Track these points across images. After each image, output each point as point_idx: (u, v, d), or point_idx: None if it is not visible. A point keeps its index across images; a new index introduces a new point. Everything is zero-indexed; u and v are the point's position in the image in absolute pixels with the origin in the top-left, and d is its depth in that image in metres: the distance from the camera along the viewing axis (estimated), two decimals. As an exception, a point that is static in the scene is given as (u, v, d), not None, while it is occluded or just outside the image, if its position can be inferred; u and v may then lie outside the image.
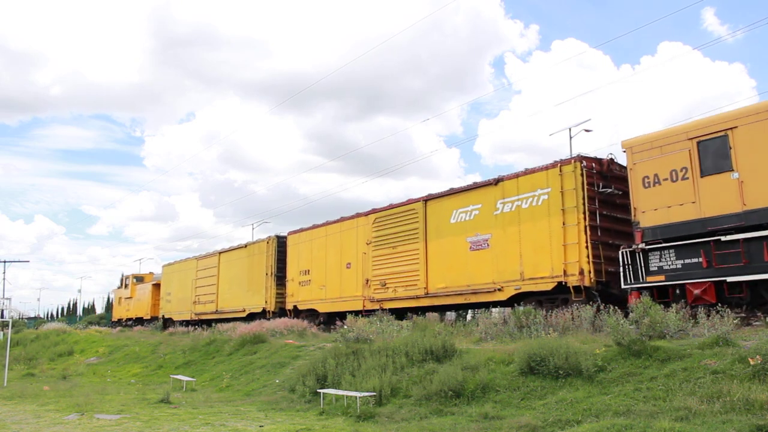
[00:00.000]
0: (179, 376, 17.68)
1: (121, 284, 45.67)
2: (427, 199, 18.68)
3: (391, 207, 20.19)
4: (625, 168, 14.75)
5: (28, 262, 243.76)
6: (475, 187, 17.19)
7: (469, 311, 20.62)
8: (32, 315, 74.29)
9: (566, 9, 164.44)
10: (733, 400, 7.24)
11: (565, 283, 14.20)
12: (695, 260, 11.72)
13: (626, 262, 12.73)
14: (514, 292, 15.49)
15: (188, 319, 33.17)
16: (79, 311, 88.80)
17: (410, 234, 19.01)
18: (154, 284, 40.19)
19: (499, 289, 15.81)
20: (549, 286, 14.64)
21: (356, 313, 19.05)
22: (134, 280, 43.50)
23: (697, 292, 11.60)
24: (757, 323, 11.23)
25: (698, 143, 11.92)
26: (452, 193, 17.93)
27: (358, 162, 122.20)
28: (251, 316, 26.48)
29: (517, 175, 15.97)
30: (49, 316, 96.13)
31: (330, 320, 21.58)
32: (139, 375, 21.60)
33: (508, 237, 15.83)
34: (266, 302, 26.33)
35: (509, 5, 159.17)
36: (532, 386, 9.51)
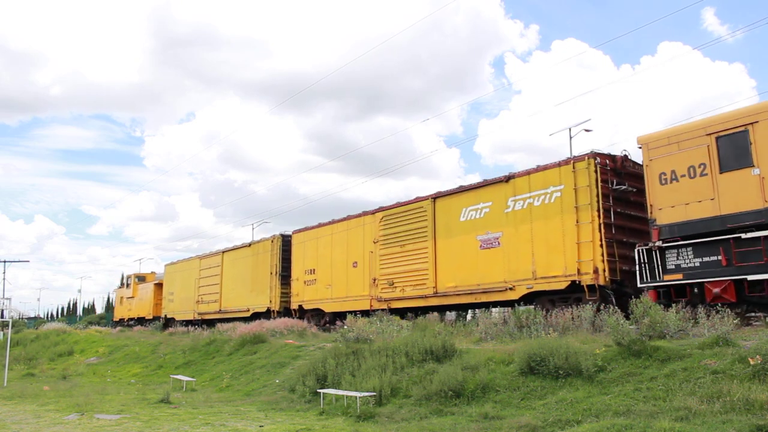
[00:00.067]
0: (179, 376, 17.67)
1: (122, 284, 45.57)
2: (436, 197, 18.42)
3: (399, 205, 19.91)
4: (639, 165, 14.56)
5: (28, 262, 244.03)
6: (486, 184, 16.92)
7: (469, 311, 20.55)
8: (32, 315, 74.37)
9: (566, 9, 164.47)
10: (733, 400, 7.24)
11: (579, 282, 14.01)
12: (714, 258, 11.46)
13: (642, 260, 12.48)
14: (526, 291, 15.25)
15: (191, 318, 33.01)
16: (79, 311, 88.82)
17: (419, 232, 18.75)
18: (156, 284, 39.99)
19: (511, 288, 15.58)
20: (562, 285, 14.42)
21: (363, 312, 18.94)
22: (136, 280, 43.25)
23: (716, 290, 11.34)
24: (757, 323, 11.24)
25: (717, 139, 11.65)
26: (462, 190, 17.66)
27: (358, 162, 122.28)
28: (255, 316, 26.29)
29: (528, 173, 15.71)
30: (49, 316, 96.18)
31: (336, 320, 21.33)
32: (139, 375, 21.60)
33: (519, 235, 15.59)
34: (271, 302, 26.14)
35: (509, 5, 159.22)
36: (532, 386, 9.51)
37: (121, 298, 45.66)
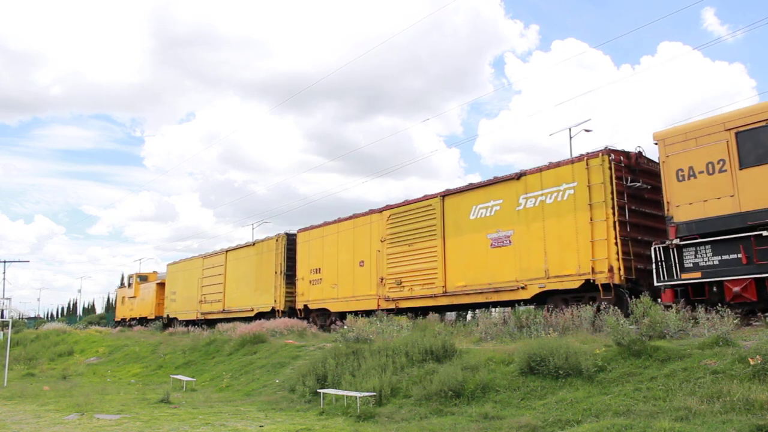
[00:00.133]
0: (179, 376, 17.67)
1: (122, 283, 45.46)
2: (445, 195, 18.13)
3: (407, 203, 19.64)
4: (653, 162, 14.41)
5: (28, 262, 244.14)
6: (496, 182, 16.63)
7: (469, 312, 20.49)
8: (32, 315, 74.36)
9: (566, 9, 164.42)
10: (733, 400, 7.24)
11: (594, 280, 13.79)
12: (734, 256, 11.18)
13: (659, 259, 12.19)
14: (538, 291, 15.02)
15: (194, 318, 32.71)
16: (79, 311, 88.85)
17: (427, 231, 18.47)
18: (158, 283, 39.60)
19: (523, 288, 15.32)
20: (576, 284, 14.20)
21: (371, 312, 18.72)
22: (138, 279, 42.85)
23: (736, 289, 11.09)
24: (757, 323, 11.23)
25: (737, 134, 11.35)
26: (471, 188, 17.38)
27: (358, 162, 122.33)
28: (259, 316, 26.01)
29: (540, 170, 15.45)
30: (49, 316, 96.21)
31: (344, 320, 21.23)
32: (139, 375, 21.59)
33: (531, 233, 15.34)
34: (275, 301, 25.84)
35: (509, 5, 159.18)
36: (532, 386, 9.50)
37: (123, 297, 45.36)
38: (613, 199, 13.73)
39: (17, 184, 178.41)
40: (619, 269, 13.42)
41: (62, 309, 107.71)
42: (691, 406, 7.40)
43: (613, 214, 13.67)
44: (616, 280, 13.39)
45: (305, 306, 23.94)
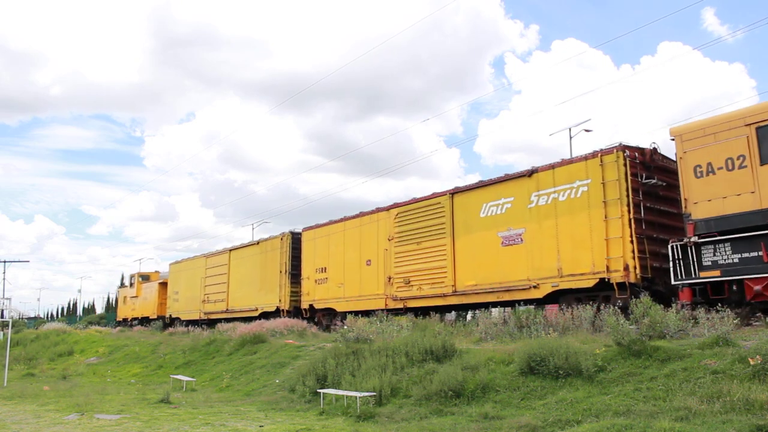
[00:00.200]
0: (179, 376, 17.67)
1: (122, 283, 45.36)
2: (454, 193, 17.90)
3: (415, 201, 19.40)
4: (667, 158, 14.27)
5: (28, 262, 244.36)
6: (507, 179, 16.39)
7: (469, 312, 20.43)
8: (32, 315, 74.39)
9: (566, 9, 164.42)
10: (733, 400, 7.24)
11: (608, 279, 13.59)
12: (755, 254, 10.94)
13: (677, 257, 11.94)
14: (551, 290, 14.81)
15: (197, 318, 32.39)
16: (79, 311, 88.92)
17: (436, 229, 18.23)
18: (160, 283, 39.27)
19: (535, 287, 15.11)
20: (590, 283, 13.99)
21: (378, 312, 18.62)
22: (140, 279, 42.49)
23: (757, 288, 10.86)
24: (757, 323, 11.22)
25: (758, 129, 11.11)
26: (481, 185, 17.16)
27: (358, 162, 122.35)
28: (264, 316, 25.68)
29: (552, 166, 15.23)
30: (49, 316, 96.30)
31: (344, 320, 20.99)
32: (139, 375, 21.59)
33: (543, 231, 15.12)
34: (280, 301, 25.53)
35: (509, 5, 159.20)
36: (532, 386, 9.50)
37: (125, 297, 45.04)
38: (628, 196, 13.49)
39: (17, 184, 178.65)
40: (635, 268, 13.19)
41: (62, 309, 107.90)
42: (691, 406, 7.40)
43: (629, 211, 13.45)
44: (632, 279, 13.18)
45: (311, 306, 23.65)
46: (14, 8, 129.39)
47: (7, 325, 24.38)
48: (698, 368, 8.33)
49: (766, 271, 10.81)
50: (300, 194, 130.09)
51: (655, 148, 14.40)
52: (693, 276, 11.73)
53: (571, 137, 22.91)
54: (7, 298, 28.53)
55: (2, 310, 25.72)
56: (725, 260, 11.38)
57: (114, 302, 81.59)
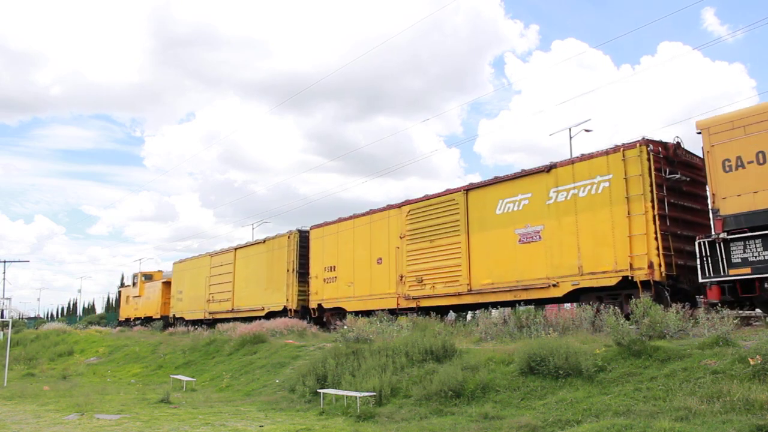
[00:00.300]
0: (179, 376, 17.67)
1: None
2: (469, 189, 17.53)
3: (427, 198, 19.01)
4: (690, 153, 14.07)
5: (28, 262, 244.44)
6: (524, 174, 16.02)
7: (469, 312, 20.35)
8: (32, 315, 74.41)
9: (566, 9, 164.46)
10: (733, 400, 7.24)
11: (632, 277, 13.25)
12: None
13: (704, 254, 11.62)
14: (571, 288, 14.49)
15: (202, 318, 31.87)
16: (79, 311, 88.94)
17: (450, 226, 17.84)
18: (164, 282, 38.73)
19: (554, 285, 14.76)
20: (612, 282, 13.66)
21: (390, 311, 18.43)
22: (143, 278, 41.96)
23: None
24: (757, 323, 11.22)
25: None
26: (497, 181, 16.77)
27: (358, 162, 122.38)
28: (271, 315, 25.19)
29: (572, 162, 14.97)
30: (49, 316, 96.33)
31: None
32: (139, 375, 21.59)
33: (563, 228, 14.77)
34: (287, 300, 25.01)
35: (509, 5, 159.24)
36: (532, 386, 9.50)
37: (127, 297, 44.53)
38: (652, 191, 13.19)
39: (17, 184, 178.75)
40: (660, 265, 12.88)
41: (62, 309, 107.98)
42: (691, 406, 7.40)
43: (653, 207, 13.13)
44: (657, 277, 12.85)
45: (319, 305, 23.21)
46: (14, 8, 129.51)
47: (7, 325, 24.39)
48: (698, 368, 8.33)
49: None
50: (300, 194, 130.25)
51: (678, 143, 14.11)
52: (722, 274, 11.40)
53: (571, 137, 22.99)
54: (7, 298, 28.50)
55: (2, 310, 25.70)
56: (756, 257, 11.05)
57: (114, 302, 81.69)
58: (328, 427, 9.58)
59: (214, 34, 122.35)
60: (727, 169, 11.56)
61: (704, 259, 11.67)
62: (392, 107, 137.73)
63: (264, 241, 27.74)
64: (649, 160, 13.33)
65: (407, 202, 19.72)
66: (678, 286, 13.12)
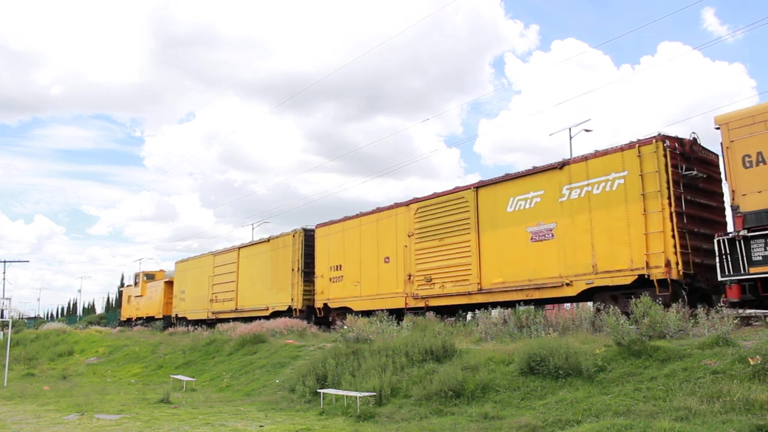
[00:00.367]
0: (179, 376, 17.67)
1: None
2: (479, 186, 17.25)
3: (436, 195, 18.72)
4: (706, 149, 13.93)
5: (28, 262, 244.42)
6: (536, 171, 15.73)
7: (469, 312, 20.30)
8: (32, 315, 74.48)
9: (566, 9, 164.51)
10: (733, 400, 7.24)
11: (648, 276, 12.98)
12: None
13: (723, 252, 11.33)
14: (585, 287, 14.23)
15: (205, 318, 31.58)
16: (79, 311, 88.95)
17: (460, 224, 17.55)
18: (166, 282, 38.45)
19: (568, 284, 14.52)
20: (628, 280, 13.40)
21: (397, 311, 18.28)
22: (145, 278, 41.71)
23: None
24: (757, 323, 11.22)
25: None
26: (508, 179, 16.49)
27: (358, 162, 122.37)
28: (276, 315, 24.86)
29: (585, 158, 14.67)
30: (49, 316, 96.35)
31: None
32: (139, 375, 21.60)
33: (576, 226, 14.52)
34: (293, 300, 24.69)
35: (509, 5, 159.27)
36: (532, 386, 9.51)
37: (129, 297, 44.24)
38: (669, 188, 12.95)
39: (17, 184, 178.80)
40: (677, 263, 12.63)
41: (62, 309, 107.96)
42: (691, 406, 7.40)
43: (669, 204, 12.90)
44: (674, 276, 12.62)
45: (325, 305, 22.93)
46: (14, 8, 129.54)
47: (7, 325, 24.38)
48: (698, 368, 8.34)
49: None
50: (300, 194, 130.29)
51: (695, 138, 13.89)
52: (742, 272, 11.11)
53: (571, 137, 22.93)
54: (7, 298, 28.48)
55: (2, 310, 25.69)
56: None
57: (114, 302, 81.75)
58: (328, 427, 9.58)
59: (214, 34, 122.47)
60: (748, 164, 11.31)
61: (723, 257, 11.37)
62: (392, 107, 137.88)
63: (268, 240, 27.43)
64: (665, 156, 13.08)
65: (415, 200, 19.42)
66: (695, 285, 12.94)
